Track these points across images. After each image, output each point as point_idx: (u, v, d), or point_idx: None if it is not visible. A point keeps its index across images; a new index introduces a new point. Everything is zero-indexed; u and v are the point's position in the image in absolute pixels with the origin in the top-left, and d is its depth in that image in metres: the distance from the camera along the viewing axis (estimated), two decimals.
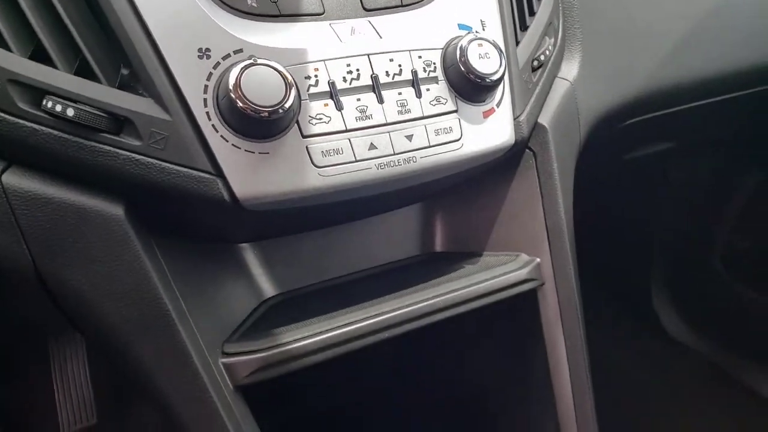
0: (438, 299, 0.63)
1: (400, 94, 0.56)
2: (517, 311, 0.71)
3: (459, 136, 0.58)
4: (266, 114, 0.48)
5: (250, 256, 0.68)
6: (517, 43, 0.66)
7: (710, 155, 1.47)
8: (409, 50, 0.56)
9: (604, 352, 1.64)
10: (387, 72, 0.55)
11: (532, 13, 0.68)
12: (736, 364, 1.52)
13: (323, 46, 0.53)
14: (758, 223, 1.46)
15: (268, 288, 0.69)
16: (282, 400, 0.81)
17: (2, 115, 0.46)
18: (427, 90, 0.57)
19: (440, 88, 0.58)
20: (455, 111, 0.58)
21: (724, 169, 1.46)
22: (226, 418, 0.54)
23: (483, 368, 0.80)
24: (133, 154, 0.49)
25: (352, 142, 0.54)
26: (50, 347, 1.54)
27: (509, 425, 0.77)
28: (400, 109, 0.56)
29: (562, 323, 0.69)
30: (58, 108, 0.46)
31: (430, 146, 0.57)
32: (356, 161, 0.54)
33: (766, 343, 1.46)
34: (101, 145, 0.48)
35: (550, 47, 0.70)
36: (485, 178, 0.72)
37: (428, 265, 0.72)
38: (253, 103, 0.47)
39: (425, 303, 0.62)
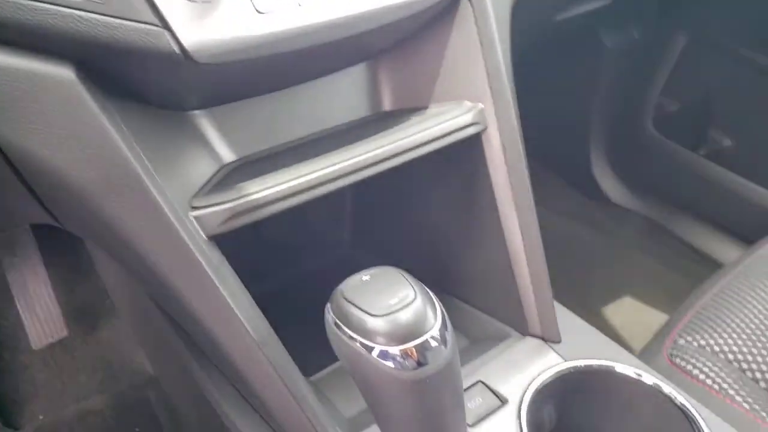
0: (390, 146, 0.67)
1: None
2: (464, 156, 0.76)
3: None
4: None
5: (205, 123, 0.69)
6: None
7: (640, 16, 1.52)
8: None
9: (545, 218, 1.75)
10: None
11: None
12: (672, 220, 1.66)
13: None
14: (687, 85, 1.55)
15: (226, 153, 0.71)
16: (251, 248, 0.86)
17: None
18: None
19: None
20: None
21: (653, 32, 1.52)
22: (205, 264, 0.58)
23: (438, 215, 0.86)
24: (75, 11, 0.49)
25: None
26: (8, 275, 1.55)
27: (468, 265, 0.84)
28: None
29: (506, 165, 0.74)
30: None
31: None
32: (299, 6, 0.56)
33: (698, 198, 1.59)
34: (40, 4, 0.48)
35: None
36: (425, 33, 0.75)
37: (378, 122, 0.75)
38: None
39: (378, 150, 0.66)
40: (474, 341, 0.82)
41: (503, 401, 0.70)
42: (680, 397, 0.68)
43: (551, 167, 1.81)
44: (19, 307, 1.51)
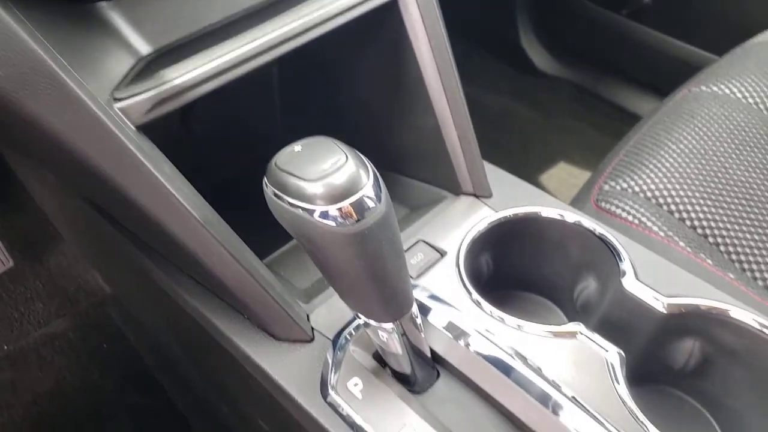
0: (307, 18, 0.67)
1: None
2: (385, 26, 0.77)
3: None
4: None
5: (115, 15, 0.67)
6: None
7: None
8: None
9: (480, 97, 1.79)
10: None
11: None
12: (599, 84, 1.72)
13: None
14: None
15: (142, 46, 0.69)
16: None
17: None
18: None
19: None
20: None
21: None
22: (138, 153, 0.58)
23: (367, 90, 0.87)
24: None
25: None
26: None
27: (400, 137, 0.87)
28: None
29: (426, 32, 0.75)
30: None
31: None
32: None
33: (622, 58, 1.64)
34: None
35: None
36: None
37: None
38: None
39: (296, 23, 0.66)
40: (413, 208, 0.86)
41: (442, 254, 0.75)
42: (600, 229, 0.75)
43: (480, 44, 1.82)
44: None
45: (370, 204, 0.46)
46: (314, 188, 0.44)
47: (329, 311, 0.71)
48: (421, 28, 0.75)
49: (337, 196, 0.44)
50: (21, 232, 1.54)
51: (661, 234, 0.90)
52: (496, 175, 0.85)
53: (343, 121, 0.95)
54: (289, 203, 0.45)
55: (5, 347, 1.46)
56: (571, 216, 0.77)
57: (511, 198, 0.81)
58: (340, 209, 0.45)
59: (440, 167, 0.82)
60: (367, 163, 0.48)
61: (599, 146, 1.34)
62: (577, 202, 0.98)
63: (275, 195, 0.46)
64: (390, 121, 0.86)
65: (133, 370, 1.40)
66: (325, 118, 0.98)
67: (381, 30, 0.78)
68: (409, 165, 0.89)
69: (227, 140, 1.02)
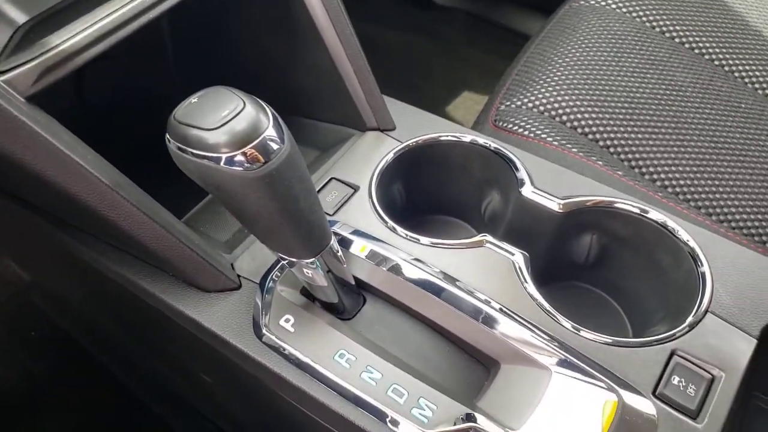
0: None
1: None
2: None
3: None
4: None
5: None
6: None
7: None
8: None
9: (379, 34, 1.80)
10: None
11: None
12: (492, 10, 1.76)
13: None
14: None
15: (16, 15, 0.66)
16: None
17: None
18: None
19: None
20: None
21: None
22: (32, 124, 0.57)
23: (262, 39, 0.87)
24: None
25: None
26: None
27: (300, 82, 0.88)
28: None
29: None
30: None
31: None
32: None
33: None
34: None
35: None
36: None
37: None
38: None
39: None
40: (323, 149, 0.89)
41: (355, 189, 0.79)
42: (494, 144, 0.81)
43: None
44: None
45: (274, 146, 0.48)
46: (216, 136, 0.45)
47: (252, 258, 0.74)
48: None
49: (239, 141, 0.46)
50: None
51: (555, 143, 0.97)
52: (398, 109, 0.88)
53: (240, 72, 0.94)
54: (193, 155, 0.46)
55: None
56: (468, 136, 0.82)
57: (414, 128, 0.85)
58: (245, 154, 0.46)
59: (342, 106, 0.85)
60: (265, 106, 0.49)
61: (498, 71, 1.40)
62: (477, 125, 1.04)
63: (179, 149, 0.47)
64: (286, 65, 0.87)
65: (70, 352, 1.38)
66: (222, 71, 0.97)
67: None
68: (313, 108, 0.90)
69: (128, 106, 0.99)
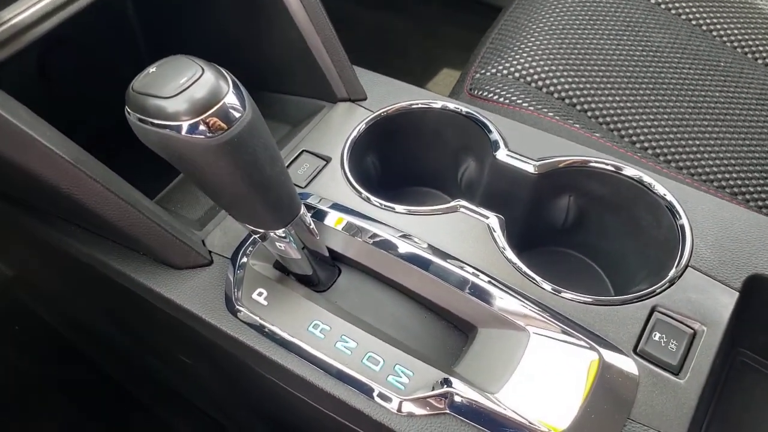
0: None
1: None
2: None
3: None
4: None
5: None
6: None
7: None
8: None
9: (349, 11, 1.77)
10: None
11: None
12: None
13: None
14: None
15: None
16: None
17: None
18: None
19: None
20: None
21: None
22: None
23: (228, 12, 0.85)
24: None
25: None
26: None
27: (269, 55, 0.86)
28: None
29: None
30: None
31: None
32: None
33: None
34: None
35: None
36: None
37: None
38: None
39: None
40: (295, 123, 0.87)
41: (327, 160, 0.78)
42: (465, 108, 0.79)
43: None
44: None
45: (235, 113, 0.46)
46: (175, 104, 0.44)
47: (224, 233, 0.73)
48: None
49: (199, 108, 0.44)
50: None
51: (531, 108, 0.96)
52: (370, 78, 0.86)
53: (207, 48, 0.92)
54: (153, 125, 0.45)
55: None
56: (439, 102, 0.80)
57: (385, 97, 0.83)
58: (205, 121, 0.44)
59: (312, 78, 0.83)
60: (225, 73, 0.47)
61: (475, 44, 1.39)
62: (452, 95, 1.02)
63: (139, 120, 0.45)
64: (252, 39, 0.85)
65: (55, 346, 1.37)
66: (189, 48, 0.95)
67: None
68: (282, 82, 0.89)
69: (98, 88, 0.97)
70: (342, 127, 0.81)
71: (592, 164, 0.75)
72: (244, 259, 0.69)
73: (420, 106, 0.81)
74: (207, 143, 0.45)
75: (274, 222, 0.58)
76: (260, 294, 0.66)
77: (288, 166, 0.77)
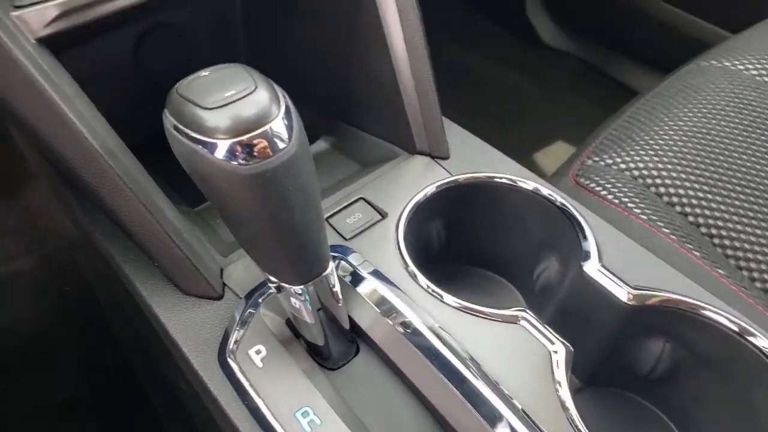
0: None
1: None
2: None
3: None
4: None
5: None
6: None
7: None
8: None
9: (476, 62, 1.68)
10: None
11: None
12: (606, 60, 1.59)
13: None
14: None
15: None
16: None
17: None
18: None
19: None
20: None
21: None
22: (32, 68, 0.51)
23: (327, 30, 0.78)
24: None
25: None
26: None
27: (356, 85, 0.78)
28: None
29: None
30: None
31: None
32: None
33: (632, 35, 1.51)
34: None
35: None
36: None
37: None
38: None
39: None
40: (363, 164, 0.78)
41: (383, 215, 0.67)
42: (561, 199, 0.66)
43: (481, 8, 1.70)
44: None
45: (278, 142, 0.38)
46: (211, 117, 0.37)
47: (246, 268, 0.64)
48: None
49: (236, 128, 0.37)
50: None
51: (643, 217, 0.80)
52: (458, 136, 0.75)
53: (303, 61, 0.86)
54: (182, 133, 0.38)
55: None
56: (531, 183, 0.68)
57: (471, 162, 0.72)
58: (240, 144, 0.37)
59: (394, 122, 0.73)
60: (280, 95, 0.40)
61: (599, 124, 1.25)
62: (555, 177, 0.89)
63: (172, 126, 0.39)
64: (345, 65, 0.77)
65: (91, 320, 1.35)
66: (286, 57, 0.89)
67: None
68: (364, 117, 0.80)
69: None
70: (412, 183, 0.70)
71: (708, 314, 0.58)
72: (257, 305, 0.60)
73: (506, 182, 0.68)
74: (234, 170, 0.38)
75: (292, 276, 0.49)
76: (258, 352, 0.56)
77: (338, 212, 0.68)
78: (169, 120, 0.39)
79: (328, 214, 0.67)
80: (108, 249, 0.67)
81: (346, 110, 0.81)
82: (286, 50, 0.87)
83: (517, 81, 1.63)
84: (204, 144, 0.37)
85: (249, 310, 0.59)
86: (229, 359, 0.56)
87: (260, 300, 0.60)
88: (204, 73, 0.40)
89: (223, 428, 0.57)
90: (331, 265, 0.51)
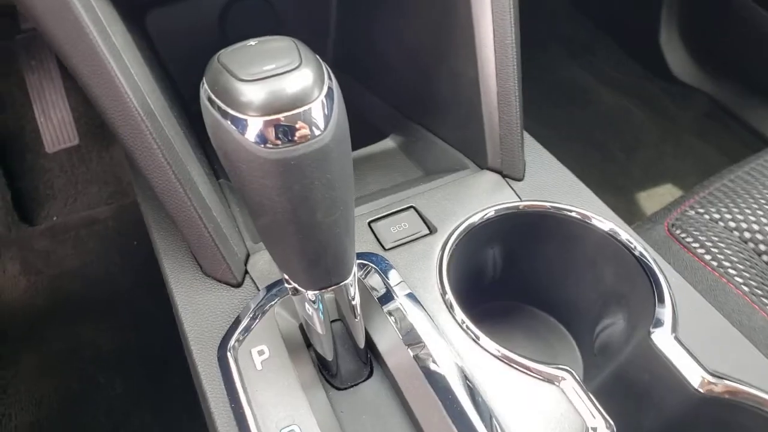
0: None
1: None
2: None
3: None
4: None
5: None
6: None
7: None
8: None
9: (592, 84, 1.54)
10: None
11: None
12: (743, 104, 1.41)
13: None
14: None
15: None
16: None
17: None
18: None
19: None
20: None
21: None
22: (92, 27, 0.50)
23: (417, 25, 0.72)
24: None
25: None
26: (26, 78, 1.55)
27: (438, 86, 0.71)
28: None
29: None
30: None
31: None
32: None
33: None
34: None
35: None
36: None
37: None
38: None
39: None
40: (428, 171, 0.71)
41: (431, 230, 0.60)
42: (641, 248, 0.56)
43: (610, 30, 1.55)
44: (35, 110, 1.53)
45: (309, 129, 0.34)
46: (242, 89, 0.33)
47: (271, 259, 0.59)
48: None
49: (265, 105, 0.33)
50: (95, 117, 1.57)
51: (745, 288, 0.67)
52: (538, 158, 0.67)
53: (387, 53, 0.80)
54: (212, 104, 0.34)
55: (54, 218, 1.50)
56: (608, 224, 0.58)
57: (545, 188, 0.63)
58: (267, 123, 0.33)
59: (470, 130, 0.66)
60: (327, 76, 0.35)
61: (718, 171, 1.10)
62: (647, 223, 0.77)
63: (206, 97, 0.35)
64: (429, 62, 0.71)
65: (151, 275, 1.38)
66: (374, 47, 0.84)
67: None
68: (439, 120, 0.73)
69: None
70: (472, 200, 0.62)
71: None
72: (274, 301, 0.55)
73: (577, 217, 0.59)
74: (254, 150, 0.34)
75: (307, 280, 0.44)
76: (261, 353, 0.51)
77: (383, 217, 0.61)
78: (204, 89, 0.35)
79: (372, 218, 0.61)
80: (147, 215, 0.65)
81: (422, 110, 0.74)
82: (373, 37, 0.82)
83: (635, 111, 1.48)
84: (230, 117, 0.33)
85: (264, 304, 0.54)
86: (228, 354, 0.51)
87: (279, 295, 0.55)
88: (252, 42, 0.36)
89: (208, 424, 0.53)
90: (355, 274, 0.45)
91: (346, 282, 0.45)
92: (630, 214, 1.18)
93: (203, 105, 0.36)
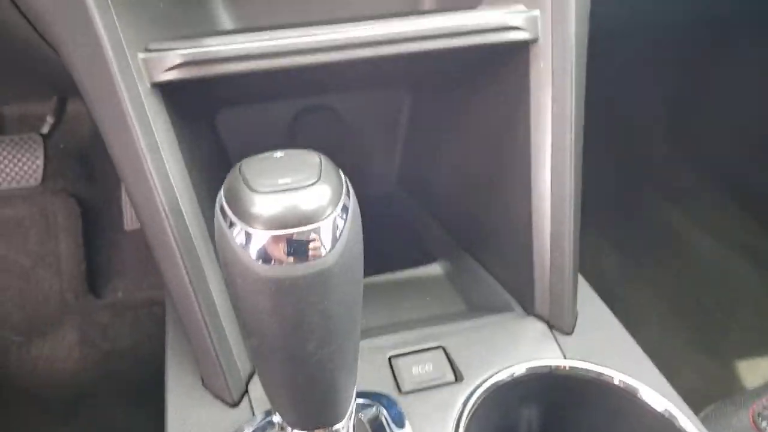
0: (402, 27, 0.53)
1: None
2: (503, 68, 0.59)
3: None
4: None
5: None
6: None
7: None
8: None
9: (683, 226, 1.37)
10: None
11: None
12: None
13: None
14: None
15: (225, 20, 0.63)
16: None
17: None
18: None
19: None
20: None
21: None
22: (135, 119, 0.50)
23: (474, 150, 0.70)
24: None
25: None
26: None
27: (489, 218, 0.67)
28: None
29: (552, 96, 0.55)
30: None
31: None
32: None
33: None
34: None
35: None
36: None
37: (406, 14, 0.61)
38: None
39: (385, 30, 0.53)
40: (470, 307, 0.65)
41: (458, 378, 0.53)
42: None
43: (716, 176, 1.43)
44: (123, 187, 1.63)
45: (315, 249, 0.31)
46: (252, 200, 0.31)
47: None
48: (548, 91, 0.55)
49: (269, 219, 0.31)
50: None
51: None
52: (593, 312, 0.59)
53: (449, 178, 0.78)
54: (221, 211, 0.33)
55: (119, 294, 1.53)
56: (665, 403, 0.48)
57: (595, 348, 0.55)
58: (264, 237, 0.31)
59: (519, 271, 0.60)
60: (345, 196, 0.33)
61: None
62: (728, 404, 0.65)
63: (219, 207, 0.34)
64: (485, 190, 0.67)
65: None
66: (437, 164, 0.82)
67: (501, 76, 0.60)
68: (488, 254, 0.67)
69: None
70: (510, 351, 0.55)
71: None
72: (266, 430, 0.49)
73: (625, 388, 0.50)
74: (249, 264, 0.32)
75: (292, 416, 0.40)
76: None
77: (407, 354, 0.55)
78: (219, 196, 0.34)
79: (395, 353, 0.55)
80: (167, 308, 0.64)
81: (475, 241, 0.70)
82: (437, 159, 0.80)
83: (737, 263, 1.31)
84: (234, 226, 0.31)
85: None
86: None
87: (274, 424, 0.50)
88: (278, 154, 0.35)
89: None
90: (351, 417, 0.41)
91: (337, 426, 0.40)
92: (718, 383, 1.04)
93: (215, 211, 0.34)
